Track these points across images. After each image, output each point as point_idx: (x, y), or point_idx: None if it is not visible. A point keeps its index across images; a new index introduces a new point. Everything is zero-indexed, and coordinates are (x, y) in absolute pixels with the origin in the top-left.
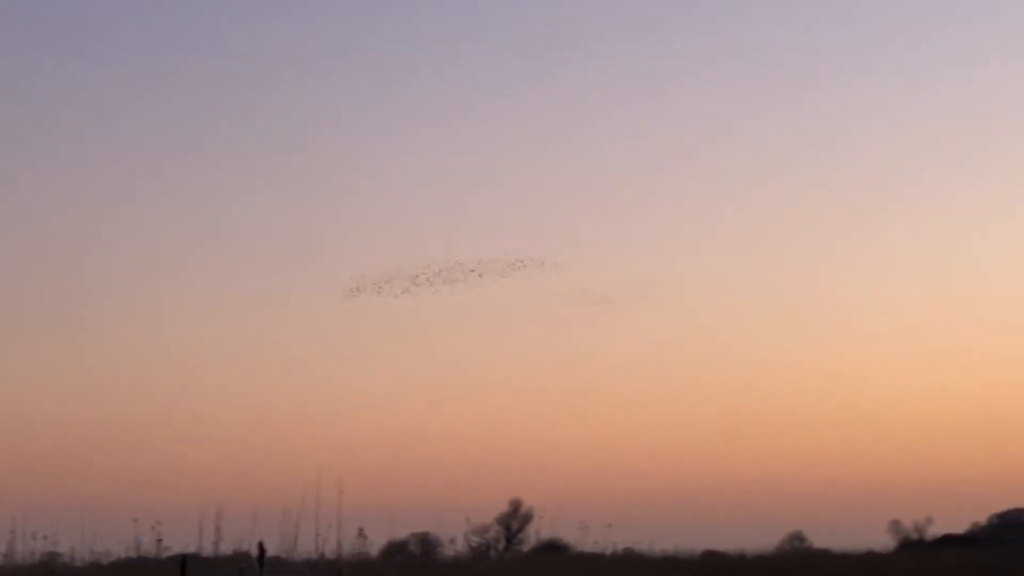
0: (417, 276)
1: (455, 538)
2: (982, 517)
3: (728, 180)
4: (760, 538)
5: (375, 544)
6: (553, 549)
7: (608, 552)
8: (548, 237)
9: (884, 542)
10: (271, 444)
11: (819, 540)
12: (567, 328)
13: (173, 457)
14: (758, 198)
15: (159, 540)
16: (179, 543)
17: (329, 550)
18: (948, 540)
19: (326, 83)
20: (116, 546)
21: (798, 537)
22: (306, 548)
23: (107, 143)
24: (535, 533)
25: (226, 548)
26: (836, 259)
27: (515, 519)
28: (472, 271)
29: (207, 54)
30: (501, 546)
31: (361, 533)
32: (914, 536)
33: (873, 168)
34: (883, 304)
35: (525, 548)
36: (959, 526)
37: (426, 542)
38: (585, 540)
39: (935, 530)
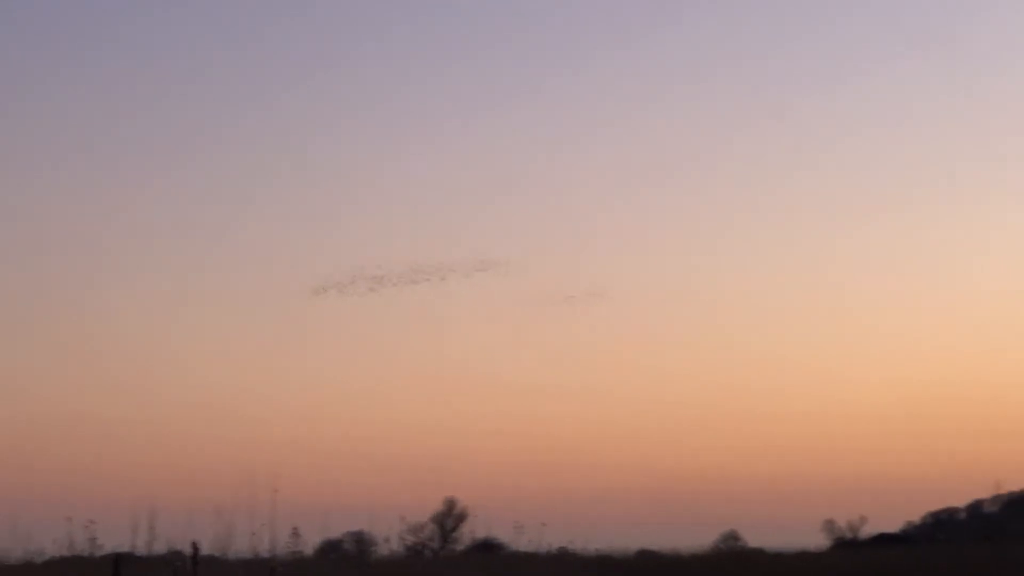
0: (382, 277)
1: (390, 537)
2: (916, 516)
3: (687, 183)
4: (694, 537)
5: (309, 543)
6: (488, 548)
7: (543, 551)
8: (512, 239)
9: (818, 541)
10: (206, 442)
11: (753, 539)
12: (516, 329)
13: (107, 454)
14: (714, 201)
15: (93, 539)
16: (113, 542)
17: (263, 549)
18: (882, 539)
19: (300, 87)
20: (49, 545)
21: (732, 536)
22: (240, 547)
23: (78, 141)
24: (470, 532)
25: (160, 547)
26: (777, 261)
27: (450, 518)
28: (436, 272)
29: (182, 52)
30: (436, 545)
31: (295, 532)
32: (848, 535)
33: (824, 171)
34: (818, 305)
35: (460, 547)
36: (893, 525)
37: (361, 541)
38: (520, 539)
39: (869, 529)
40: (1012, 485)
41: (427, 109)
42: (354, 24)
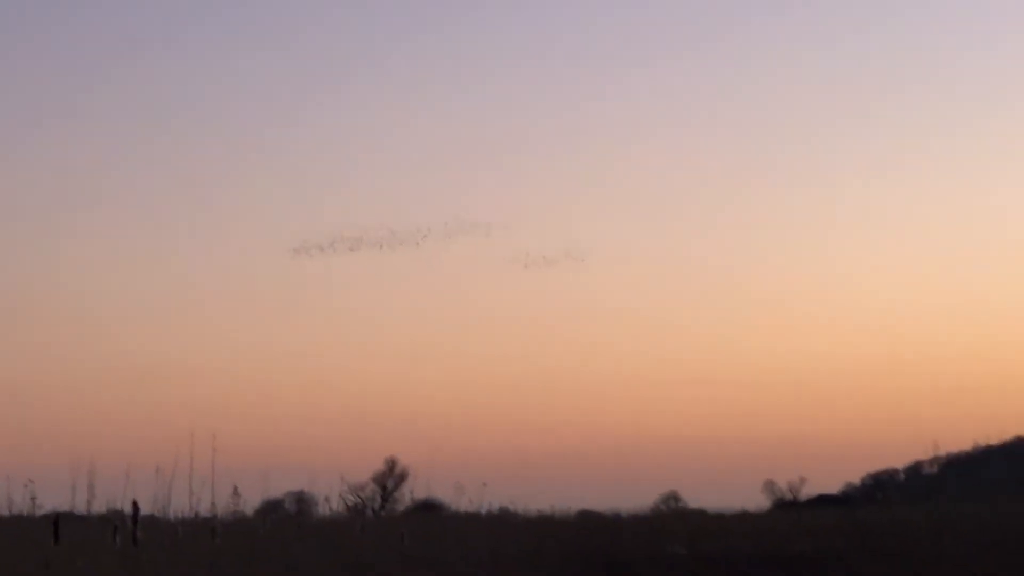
0: (360, 239)
1: (330, 497)
2: (855, 478)
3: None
4: (635, 498)
5: (250, 503)
6: (428, 508)
7: (483, 511)
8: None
9: (758, 502)
10: (146, 402)
11: (694, 500)
12: (467, 293)
13: (46, 415)
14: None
15: (32, 499)
16: (52, 501)
17: (203, 509)
18: (822, 500)
19: (283, 53)
20: None
21: (673, 497)
22: (180, 507)
23: (56, 102)
24: (410, 492)
25: (99, 506)
26: (723, 228)
27: (391, 478)
28: (413, 236)
29: (159, 19)
30: (376, 505)
31: (236, 492)
32: (788, 496)
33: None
34: (761, 269)
35: (400, 507)
36: (833, 486)
37: (301, 500)
38: (460, 499)
39: (809, 490)
40: (950, 446)
41: (409, 74)
42: None
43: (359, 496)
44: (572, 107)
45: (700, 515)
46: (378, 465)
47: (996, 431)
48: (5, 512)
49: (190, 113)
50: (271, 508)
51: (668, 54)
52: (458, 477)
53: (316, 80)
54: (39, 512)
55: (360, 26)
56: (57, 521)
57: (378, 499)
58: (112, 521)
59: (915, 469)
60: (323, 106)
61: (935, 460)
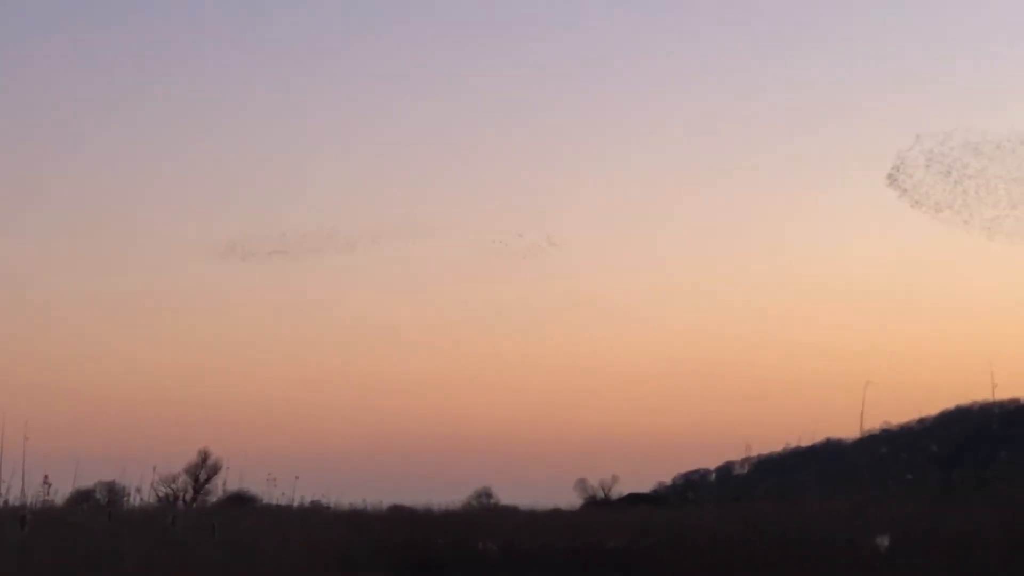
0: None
1: (142, 487)
2: (667, 477)
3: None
4: (447, 493)
5: (60, 492)
6: (240, 500)
7: (295, 504)
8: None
9: (571, 500)
10: None
11: (506, 496)
12: (285, 290)
13: None
14: None
15: None
16: None
17: (13, 497)
18: (634, 498)
19: (220, 55)
20: None
21: (485, 493)
22: None
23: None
24: (223, 484)
25: None
26: (547, 221)
27: (203, 469)
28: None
29: (95, 23)
30: (188, 496)
31: (46, 480)
32: (600, 494)
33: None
34: (577, 268)
35: (213, 499)
36: (645, 485)
37: (113, 491)
38: (273, 492)
39: (621, 488)
40: (761, 448)
41: (353, 70)
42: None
43: (171, 487)
44: (512, 103)
45: (512, 512)
46: (191, 456)
47: (806, 433)
48: None
49: (130, 114)
50: (82, 497)
51: (624, 59)
52: (271, 470)
53: (250, 81)
54: None
55: (303, 28)
56: None
57: (190, 490)
58: None
59: (726, 470)
60: (257, 107)
61: (746, 461)
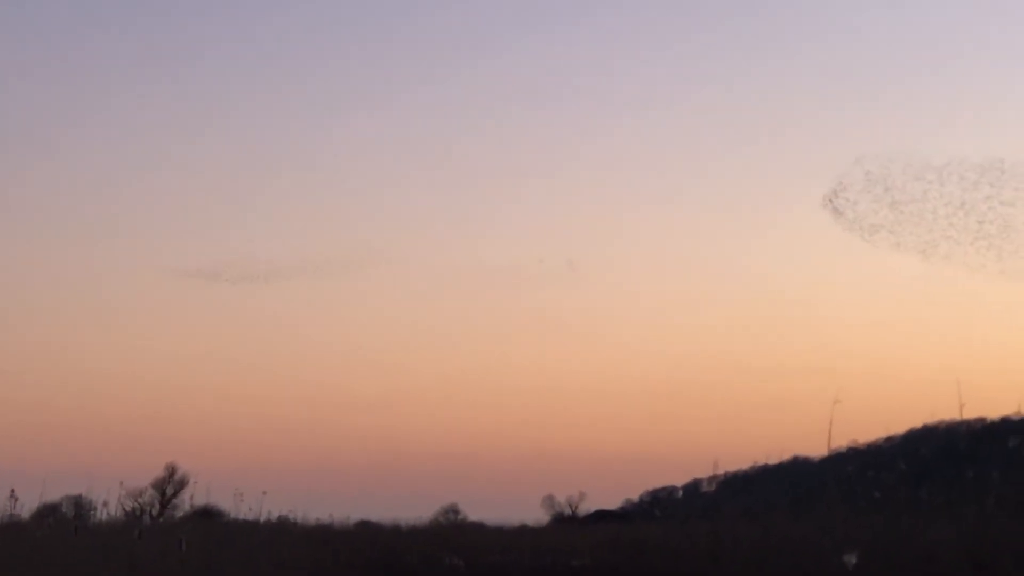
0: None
1: (109, 501)
2: (634, 494)
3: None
4: (415, 509)
5: (26, 506)
6: (207, 515)
7: (262, 519)
8: None
9: (538, 516)
10: None
11: (473, 513)
12: (250, 309)
13: None
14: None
15: None
16: None
17: None
18: (601, 515)
19: (177, 77)
20: None
21: (453, 509)
22: None
23: None
24: (190, 499)
25: None
26: (494, 240)
27: (170, 484)
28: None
29: (54, 42)
30: (155, 511)
31: (12, 495)
32: (568, 511)
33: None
34: (543, 289)
35: (179, 513)
36: (612, 502)
37: (80, 505)
38: (240, 507)
39: (588, 505)
40: (728, 465)
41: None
42: (219, 21)
43: (138, 501)
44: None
45: (479, 528)
46: (158, 471)
47: (774, 451)
48: None
49: (103, 130)
50: (49, 511)
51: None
52: (238, 485)
53: (211, 108)
54: None
55: (256, 55)
56: None
57: (157, 505)
58: None
59: (693, 487)
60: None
61: (713, 478)
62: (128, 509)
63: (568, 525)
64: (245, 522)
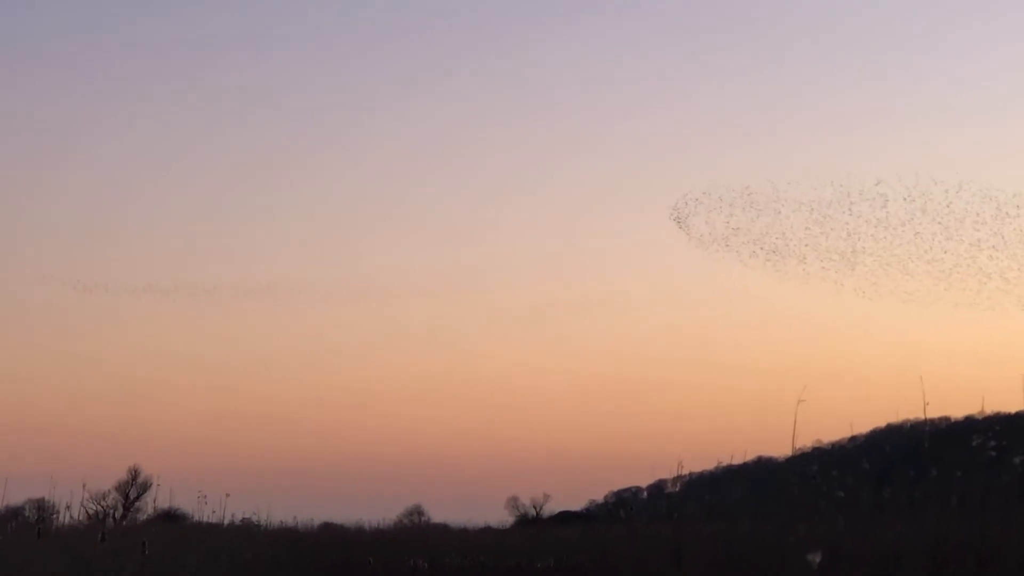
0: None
1: (71, 505)
2: (599, 495)
3: None
4: (378, 511)
5: None
6: (171, 518)
7: (226, 522)
8: None
9: (502, 517)
10: None
11: (437, 514)
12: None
13: None
14: None
15: None
16: None
17: None
18: (565, 517)
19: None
20: None
21: (417, 511)
22: None
23: None
24: (153, 502)
25: None
26: (461, 243)
27: (133, 487)
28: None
29: None
30: (118, 514)
31: None
32: (532, 512)
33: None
34: (507, 288)
35: (143, 516)
36: (576, 503)
37: (42, 508)
38: (203, 510)
39: (552, 507)
40: (693, 466)
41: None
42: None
43: (101, 505)
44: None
45: (443, 530)
46: (121, 474)
47: (738, 451)
48: None
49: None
50: (10, 516)
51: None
52: (201, 487)
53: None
54: None
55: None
56: None
57: (120, 508)
58: None
59: (658, 487)
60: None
61: (677, 479)
62: (91, 512)
63: (532, 526)
64: (209, 525)
